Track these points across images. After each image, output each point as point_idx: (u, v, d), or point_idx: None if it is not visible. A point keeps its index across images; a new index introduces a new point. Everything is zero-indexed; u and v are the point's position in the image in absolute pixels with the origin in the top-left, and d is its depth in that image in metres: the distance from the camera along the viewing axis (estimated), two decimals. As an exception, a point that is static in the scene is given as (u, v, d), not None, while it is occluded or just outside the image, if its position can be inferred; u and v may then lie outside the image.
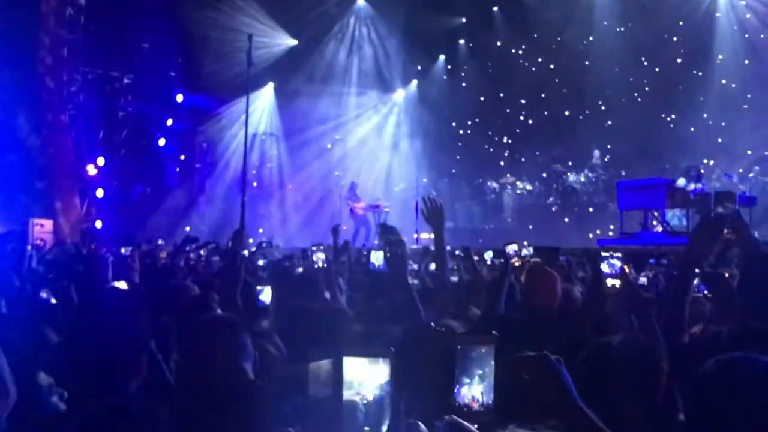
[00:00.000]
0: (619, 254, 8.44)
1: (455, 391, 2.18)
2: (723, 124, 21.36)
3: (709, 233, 3.81)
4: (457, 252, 11.43)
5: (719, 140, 21.25)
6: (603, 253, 6.20)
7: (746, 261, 3.88)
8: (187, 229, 21.47)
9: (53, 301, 6.43)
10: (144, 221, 20.62)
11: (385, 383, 2.12)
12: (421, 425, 2.14)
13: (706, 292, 5.14)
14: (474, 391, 2.17)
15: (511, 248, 8.89)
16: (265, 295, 5.60)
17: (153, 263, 10.07)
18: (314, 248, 8.64)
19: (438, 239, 5.02)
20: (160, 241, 14.49)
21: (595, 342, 3.20)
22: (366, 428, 2.10)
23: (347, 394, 2.11)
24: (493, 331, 2.35)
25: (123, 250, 12.12)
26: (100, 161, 20.36)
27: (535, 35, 24.88)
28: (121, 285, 6.13)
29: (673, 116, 22.83)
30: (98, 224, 19.72)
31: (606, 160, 22.72)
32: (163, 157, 23.13)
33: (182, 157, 24.18)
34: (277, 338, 4.56)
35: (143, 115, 22.26)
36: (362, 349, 2.19)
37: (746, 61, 21.58)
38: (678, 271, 4.17)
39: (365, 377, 2.13)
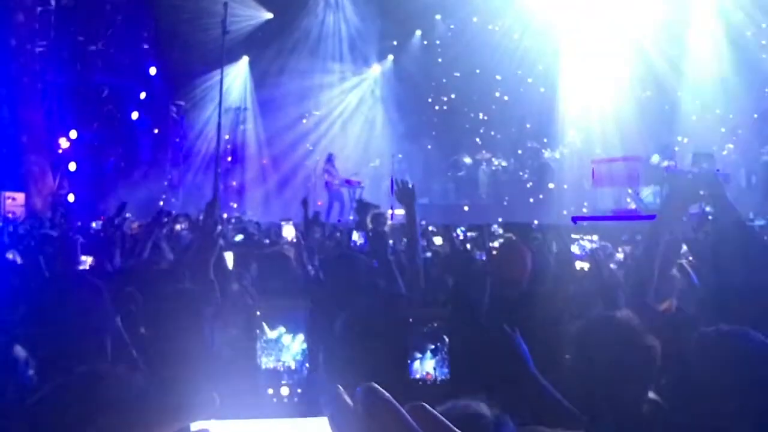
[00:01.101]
0: (591, 237, 8.49)
1: (408, 365, 2.18)
2: (697, 102, 21.43)
3: (676, 203, 3.81)
4: (430, 228, 11.47)
5: (693, 118, 21.34)
6: (573, 235, 6.22)
7: (719, 227, 3.89)
8: (161, 203, 21.37)
9: (19, 261, 6.40)
10: (117, 195, 20.49)
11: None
12: (341, 389, 2.12)
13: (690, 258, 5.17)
14: (427, 365, 2.16)
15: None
16: (228, 260, 5.62)
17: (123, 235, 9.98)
18: (282, 222, 8.61)
19: (410, 218, 5.11)
20: (128, 214, 14.38)
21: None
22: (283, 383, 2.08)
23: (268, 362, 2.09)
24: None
25: (94, 224, 12.05)
26: (73, 134, 20.17)
27: (512, 11, 24.80)
28: (88, 260, 6.10)
29: (648, 94, 22.86)
30: (71, 197, 19.58)
31: (581, 137, 22.76)
32: (136, 130, 22.95)
33: (156, 131, 23.99)
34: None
35: (116, 88, 22.04)
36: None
37: (721, 40, 21.65)
38: (646, 239, 4.18)
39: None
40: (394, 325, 2.30)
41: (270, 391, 2.07)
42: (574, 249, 8.02)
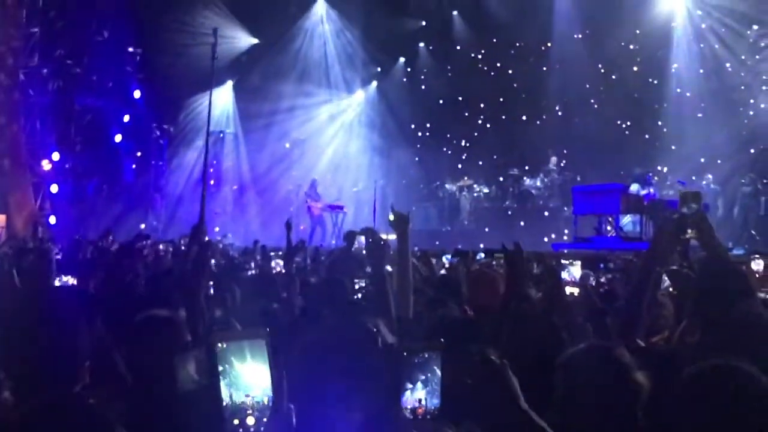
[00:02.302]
0: (579, 262, 8.58)
1: (400, 396, 2.21)
2: (677, 132, 21.66)
3: (668, 237, 3.88)
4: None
5: (673, 147, 21.56)
6: (563, 261, 6.27)
7: (703, 263, 3.98)
8: (142, 226, 21.33)
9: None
10: (99, 217, 20.41)
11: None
12: None
13: (671, 289, 5.24)
14: (417, 395, 2.20)
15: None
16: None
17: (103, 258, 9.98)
18: (272, 254, 8.59)
19: (402, 246, 5.12)
20: (110, 237, 14.37)
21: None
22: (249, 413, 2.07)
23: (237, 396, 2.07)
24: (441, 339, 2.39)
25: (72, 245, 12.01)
26: (55, 156, 20.10)
27: (494, 40, 25.07)
28: (69, 280, 6.09)
29: (629, 123, 23.11)
30: (52, 220, 19.49)
31: (562, 165, 22.93)
32: (119, 153, 22.90)
33: (139, 154, 23.94)
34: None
35: (100, 110, 22.00)
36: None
37: (701, 71, 21.93)
38: (637, 274, 4.25)
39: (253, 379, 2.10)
40: (389, 358, 2.34)
41: (236, 421, 2.07)
42: (563, 275, 8.10)
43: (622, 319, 3.94)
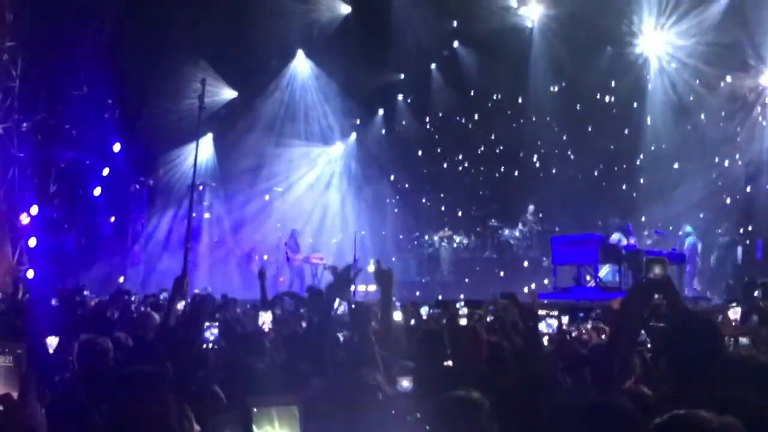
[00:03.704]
0: (555, 312, 8.62)
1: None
2: (653, 182, 21.91)
3: (640, 296, 3.97)
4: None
5: (650, 198, 21.78)
6: (540, 312, 6.32)
7: (670, 325, 4.05)
8: (121, 279, 21.20)
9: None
10: (77, 271, 20.26)
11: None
12: None
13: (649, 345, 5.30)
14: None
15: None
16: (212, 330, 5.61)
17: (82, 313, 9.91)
18: (261, 312, 8.51)
19: (385, 299, 5.19)
20: (85, 291, 14.25)
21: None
22: None
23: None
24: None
25: (53, 302, 11.90)
26: (34, 210, 19.99)
27: (472, 92, 25.36)
28: (53, 341, 6.03)
29: (606, 173, 23.36)
30: (30, 274, 19.32)
31: (540, 215, 23.09)
32: (98, 206, 22.80)
33: (118, 207, 23.84)
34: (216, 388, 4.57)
35: (79, 164, 21.96)
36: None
37: (675, 122, 22.24)
38: (612, 331, 4.35)
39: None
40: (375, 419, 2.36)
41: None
42: (542, 326, 8.12)
43: (597, 372, 4.01)
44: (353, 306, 4.56)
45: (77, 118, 21.39)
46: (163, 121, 21.80)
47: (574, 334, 8.69)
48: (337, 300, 5.66)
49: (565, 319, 9.45)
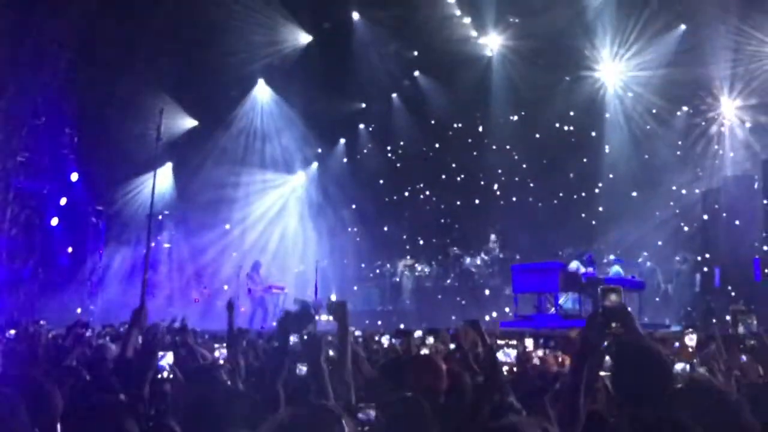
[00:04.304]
0: (514, 342, 8.65)
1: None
2: (612, 210, 22.13)
3: (598, 324, 4.01)
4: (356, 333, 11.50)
5: (609, 226, 22.00)
6: (499, 342, 6.34)
7: (619, 350, 4.10)
8: (78, 311, 20.91)
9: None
10: (34, 302, 19.96)
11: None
12: None
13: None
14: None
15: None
16: (167, 359, 5.54)
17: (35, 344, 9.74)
18: (216, 345, 8.44)
19: (342, 333, 5.22)
20: (42, 322, 14.05)
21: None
22: None
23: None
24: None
25: (11, 332, 11.73)
26: (-11, 240, 19.71)
27: (432, 121, 25.51)
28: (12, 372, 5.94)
29: (565, 202, 23.56)
30: (-15, 304, 19.00)
31: (501, 244, 23.22)
32: (55, 236, 22.52)
33: (75, 237, 23.57)
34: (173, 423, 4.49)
35: (35, 193, 21.69)
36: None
37: (633, 151, 22.53)
38: (572, 362, 4.38)
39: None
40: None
41: None
42: (500, 355, 8.12)
43: (560, 401, 4.02)
44: (305, 337, 4.57)
45: (34, 147, 21.15)
46: (122, 150, 21.61)
47: (535, 361, 8.71)
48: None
49: (529, 342, 9.49)
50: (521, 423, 3.18)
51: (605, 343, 4.00)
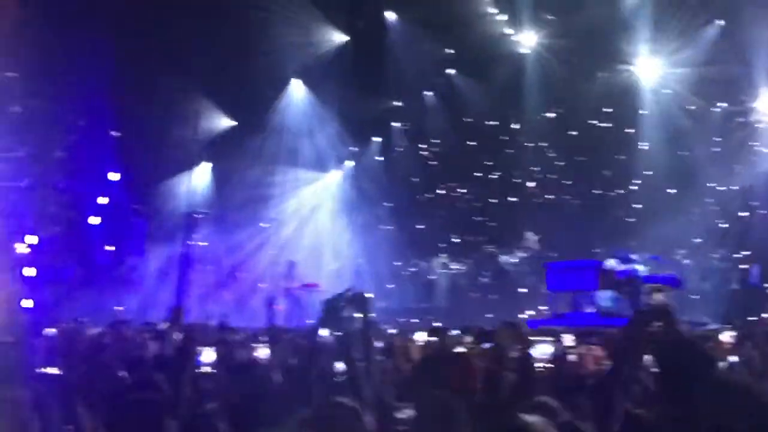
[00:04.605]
0: (550, 339, 8.64)
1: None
2: (649, 207, 21.94)
3: (642, 324, 4.02)
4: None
5: (646, 223, 21.80)
6: (534, 339, 6.33)
7: (662, 348, 4.09)
8: (121, 308, 21.15)
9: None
10: (75, 300, 20.22)
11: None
12: None
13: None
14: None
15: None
16: (207, 357, 5.60)
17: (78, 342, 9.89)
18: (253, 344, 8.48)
19: (365, 326, 5.19)
20: (82, 319, 14.22)
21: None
22: None
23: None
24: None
25: (50, 331, 11.90)
26: (31, 239, 19.99)
27: (467, 119, 25.44)
28: (53, 371, 6.04)
29: (601, 199, 23.39)
30: (28, 303, 19.26)
31: (537, 240, 23.11)
32: (95, 235, 22.80)
33: (115, 236, 23.84)
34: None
35: (76, 192, 21.99)
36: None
37: (671, 148, 22.29)
38: (613, 360, 4.39)
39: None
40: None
41: None
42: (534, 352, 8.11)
43: (598, 401, 4.03)
44: (339, 334, 4.56)
45: (75, 147, 21.42)
46: (161, 149, 21.86)
47: (571, 358, 8.69)
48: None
49: (568, 339, 9.46)
50: (536, 424, 3.19)
51: (648, 342, 3.99)
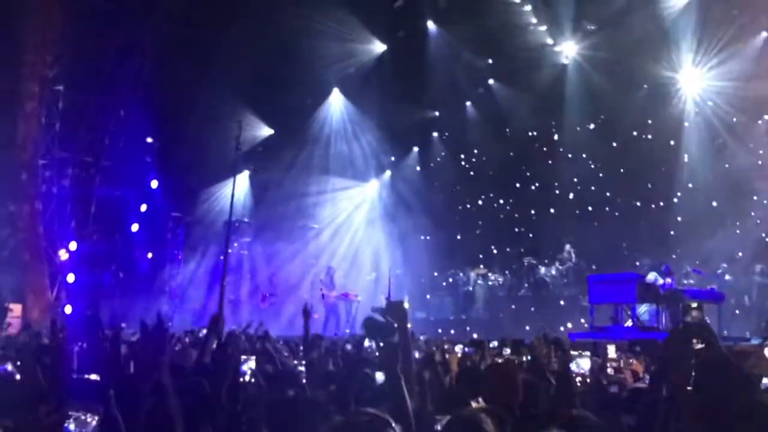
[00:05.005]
0: (588, 353, 8.52)
1: None
2: (691, 221, 21.65)
3: (680, 341, 3.94)
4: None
5: (687, 236, 21.53)
6: (572, 352, 6.24)
7: (701, 363, 4.02)
8: (162, 314, 21.28)
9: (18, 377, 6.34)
10: (114, 307, 20.42)
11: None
12: None
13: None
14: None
15: None
16: (249, 365, 5.59)
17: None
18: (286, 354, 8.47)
19: (402, 337, 5.14)
20: (123, 324, 14.31)
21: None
22: None
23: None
24: None
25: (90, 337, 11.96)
26: (72, 246, 20.22)
27: (506, 129, 25.34)
28: (93, 377, 6.05)
29: (642, 212, 23.13)
30: (68, 309, 19.49)
31: (577, 253, 22.91)
32: (135, 242, 23.03)
33: (155, 243, 24.08)
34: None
35: (117, 200, 22.24)
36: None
37: (713, 161, 21.99)
38: (652, 377, 4.31)
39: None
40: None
41: None
42: (573, 366, 8.02)
43: (641, 415, 3.96)
44: (381, 344, 4.50)
45: (116, 154, 21.66)
46: (200, 158, 22.04)
47: (609, 371, 8.57)
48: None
49: (611, 349, 9.33)
50: None
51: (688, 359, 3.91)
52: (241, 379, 5.72)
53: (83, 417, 3.03)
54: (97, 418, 2.94)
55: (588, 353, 9.35)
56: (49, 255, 19.76)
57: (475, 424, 3.49)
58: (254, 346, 9.71)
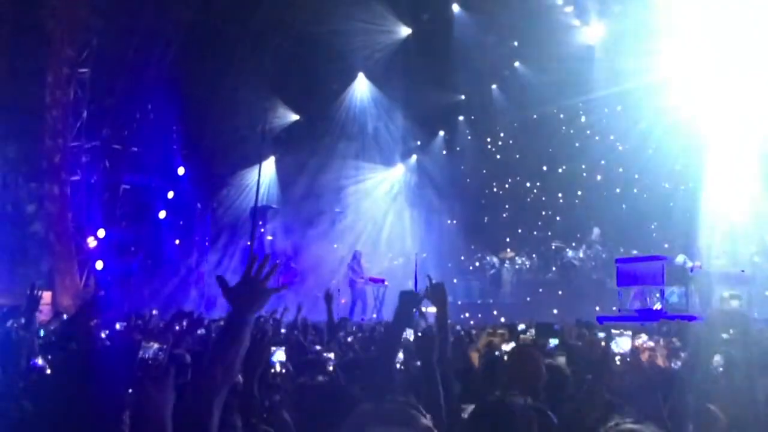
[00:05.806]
0: (629, 332, 8.46)
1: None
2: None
3: (714, 329, 3.93)
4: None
5: (717, 219, 21.30)
6: (613, 331, 6.20)
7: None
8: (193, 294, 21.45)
9: (48, 371, 6.39)
10: (143, 294, 20.57)
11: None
12: None
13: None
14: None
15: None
16: (278, 356, 5.60)
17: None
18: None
19: (441, 319, 5.14)
20: (154, 311, 14.42)
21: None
22: None
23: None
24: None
25: (117, 326, 12.04)
26: (101, 233, 20.36)
27: (533, 113, 25.20)
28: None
29: (671, 193, 22.92)
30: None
31: (604, 236, 22.77)
32: (163, 229, 23.13)
33: (182, 230, 24.19)
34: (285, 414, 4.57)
35: (144, 187, 22.32)
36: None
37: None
38: (685, 360, 4.30)
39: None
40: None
41: None
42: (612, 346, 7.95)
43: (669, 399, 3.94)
44: (419, 333, 4.50)
45: (143, 141, 21.76)
46: (226, 144, 22.10)
47: (646, 355, 8.50)
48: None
49: (643, 335, 9.26)
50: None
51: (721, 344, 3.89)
52: (272, 370, 5.74)
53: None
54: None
55: (629, 332, 9.30)
56: (78, 242, 19.90)
57: (503, 411, 3.47)
58: (284, 334, 9.71)
